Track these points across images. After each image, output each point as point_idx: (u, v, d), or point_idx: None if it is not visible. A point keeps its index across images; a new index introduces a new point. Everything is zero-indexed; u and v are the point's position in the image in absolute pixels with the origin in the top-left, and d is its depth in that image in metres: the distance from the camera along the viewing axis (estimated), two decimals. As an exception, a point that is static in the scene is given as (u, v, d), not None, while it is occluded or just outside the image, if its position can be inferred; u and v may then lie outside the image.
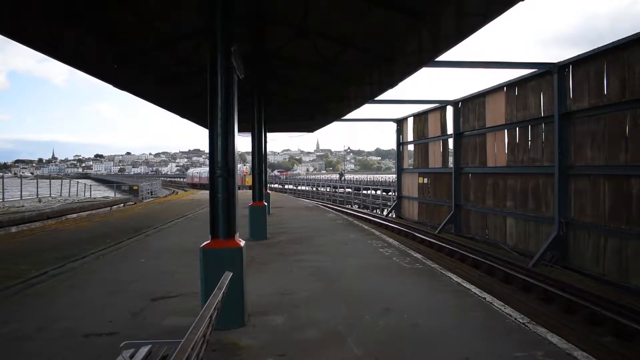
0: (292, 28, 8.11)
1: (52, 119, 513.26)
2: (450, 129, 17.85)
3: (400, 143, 23.45)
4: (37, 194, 27.98)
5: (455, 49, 7.99)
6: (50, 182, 32.55)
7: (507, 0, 5.41)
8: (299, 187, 52.37)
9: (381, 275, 6.67)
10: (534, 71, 12.49)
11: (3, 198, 24.20)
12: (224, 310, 2.97)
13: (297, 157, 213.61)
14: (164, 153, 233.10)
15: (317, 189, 47.13)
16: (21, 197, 26.51)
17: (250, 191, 10.99)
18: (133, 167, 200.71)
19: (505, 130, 14.24)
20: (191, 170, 72.14)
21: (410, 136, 22.35)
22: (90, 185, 38.45)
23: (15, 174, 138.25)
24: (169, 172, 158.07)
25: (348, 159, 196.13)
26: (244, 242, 4.54)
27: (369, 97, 13.63)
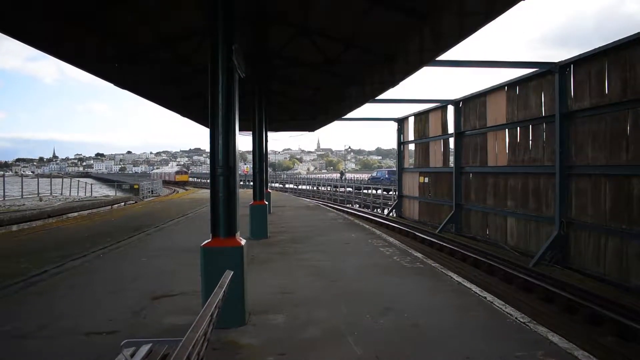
0: (293, 27, 8.12)
1: (49, 117, 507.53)
2: (451, 129, 17.83)
3: (401, 142, 23.44)
4: (38, 193, 28.01)
5: (455, 50, 8.01)
6: (51, 180, 32.59)
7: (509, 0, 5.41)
8: (300, 187, 52.38)
9: (382, 274, 6.67)
10: (535, 71, 12.45)
11: (4, 196, 24.23)
12: (225, 309, 2.97)
13: (298, 157, 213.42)
14: (164, 152, 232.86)
15: (317, 188, 47.11)
16: (22, 195, 26.56)
17: (251, 190, 10.99)
18: (134, 166, 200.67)
19: (506, 130, 14.21)
20: (154, 171, 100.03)
21: (411, 135, 22.34)
22: (91, 184, 38.45)
23: (16, 172, 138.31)
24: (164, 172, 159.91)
25: (349, 158, 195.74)
26: (245, 241, 4.54)
27: (370, 96, 13.62)
